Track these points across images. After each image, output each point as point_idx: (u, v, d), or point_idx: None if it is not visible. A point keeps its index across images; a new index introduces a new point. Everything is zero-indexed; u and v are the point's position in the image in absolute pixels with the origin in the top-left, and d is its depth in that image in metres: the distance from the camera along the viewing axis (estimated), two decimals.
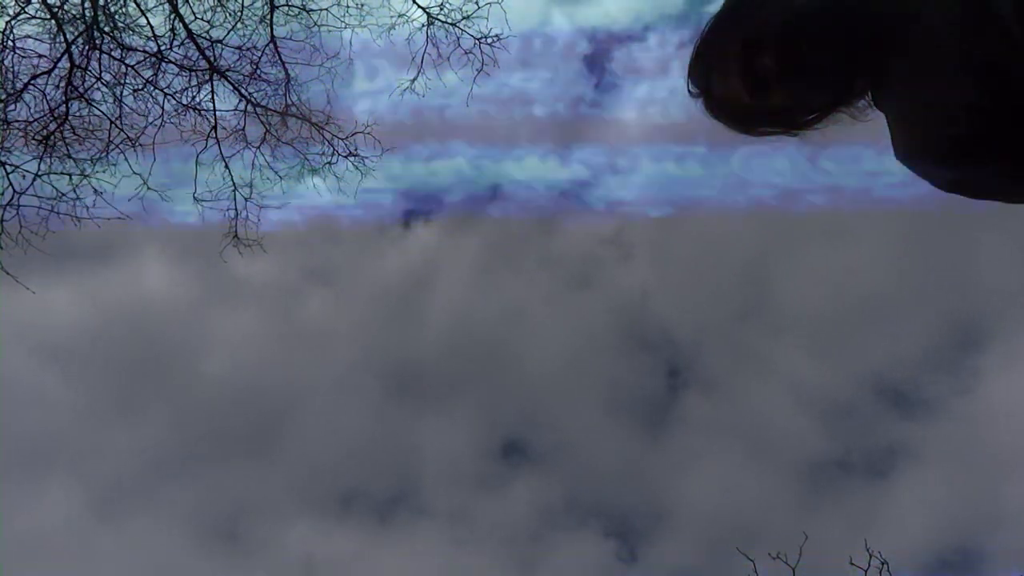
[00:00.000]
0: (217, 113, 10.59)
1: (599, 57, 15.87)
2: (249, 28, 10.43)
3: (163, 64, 10.24)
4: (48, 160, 10.01)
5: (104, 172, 10.12)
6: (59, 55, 9.94)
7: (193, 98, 10.45)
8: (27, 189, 9.94)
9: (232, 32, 10.40)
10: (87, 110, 10.17)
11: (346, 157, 10.81)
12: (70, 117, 10.05)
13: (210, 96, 10.51)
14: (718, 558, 17.51)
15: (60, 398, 17.61)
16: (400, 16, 10.57)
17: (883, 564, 10.96)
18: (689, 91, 2.16)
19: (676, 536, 18.91)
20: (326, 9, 10.50)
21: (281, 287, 18.76)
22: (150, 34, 10.16)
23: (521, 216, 18.51)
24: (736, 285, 19.88)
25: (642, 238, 19.22)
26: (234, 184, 10.68)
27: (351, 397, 20.06)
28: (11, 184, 9.96)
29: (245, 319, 19.04)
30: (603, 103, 16.49)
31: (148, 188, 10.22)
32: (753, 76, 2.01)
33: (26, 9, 9.80)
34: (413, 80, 10.71)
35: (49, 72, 9.96)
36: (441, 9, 10.53)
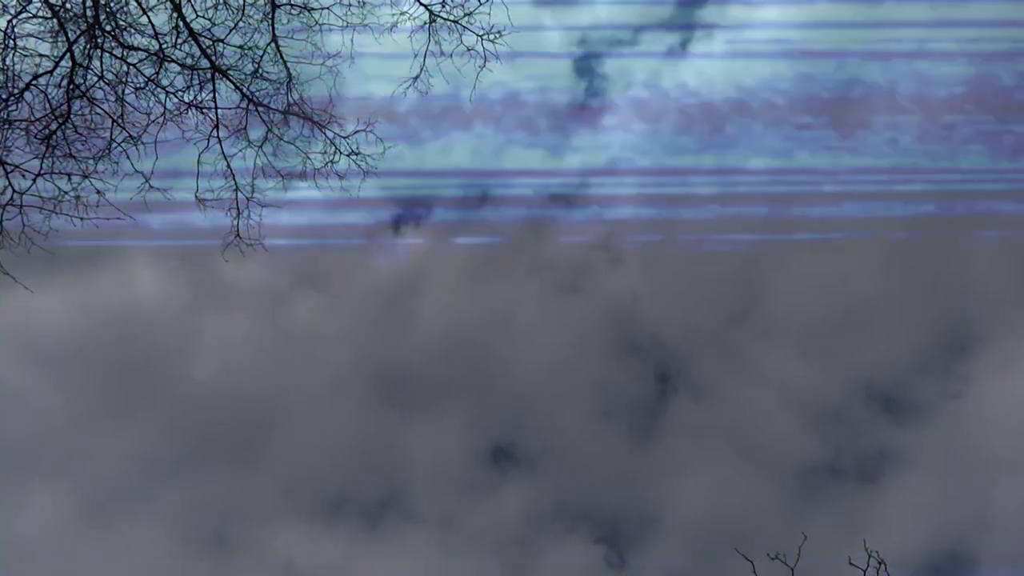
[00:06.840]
0: (219, 112, 10.55)
1: (591, 60, 15.97)
2: (251, 27, 10.40)
3: (165, 63, 10.19)
4: (50, 159, 9.97)
5: (106, 171, 10.08)
6: (61, 54, 9.88)
7: (195, 97, 10.41)
8: (28, 188, 9.90)
9: (234, 31, 10.36)
10: (89, 109, 10.12)
11: (348, 156, 10.78)
12: (72, 116, 10.00)
13: (212, 95, 10.47)
14: (707, 563, 17.54)
15: (50, 402, 17.50)
16: (402, 14, 10.58)
17: (880, 564, 10.99)
18: None
19: (665, 541, 18.93)
20: (328, 8, 10.49)
21: (271, 292, 18.74)
22: (152, 33, 10.11)
23: (512, 220, 18.57)
24: (726, 290, 19.94)
25: (632, 243, 19.28)
26: (236, 184, 10.63)
27: (340, 402, 20.01)
28: (10, 184, 9.92)
29: (235, 324, 18.99)
30: (596, 106, 16.58)
31: (150, 187, 10.19)
32: None
33: (28, 8, 9.75)
34: (415, 78, 10.71)
35: (51, 71, 9.91)
36: (443, 6, 10.54)
